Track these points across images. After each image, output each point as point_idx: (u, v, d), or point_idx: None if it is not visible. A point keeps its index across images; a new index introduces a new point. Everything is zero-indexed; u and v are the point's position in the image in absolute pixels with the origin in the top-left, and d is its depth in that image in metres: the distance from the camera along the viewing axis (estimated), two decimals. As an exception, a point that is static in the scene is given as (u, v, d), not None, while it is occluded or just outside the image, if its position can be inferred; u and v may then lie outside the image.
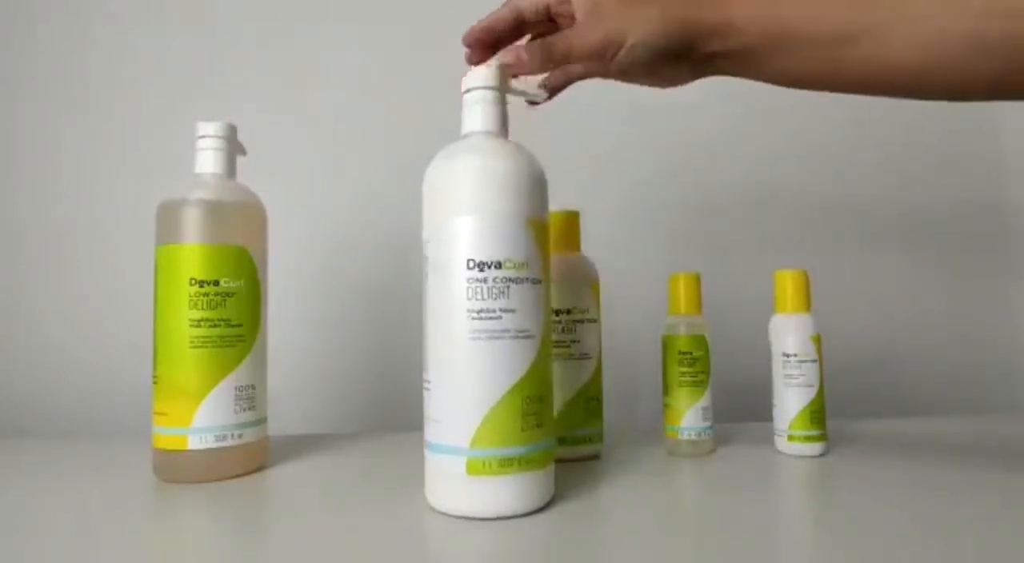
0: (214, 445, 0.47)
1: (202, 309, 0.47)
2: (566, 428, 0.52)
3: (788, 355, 0.53)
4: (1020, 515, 0.38)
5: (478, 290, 0.37)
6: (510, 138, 0.42)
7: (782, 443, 0.53)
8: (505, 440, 0.37)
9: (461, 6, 0.83)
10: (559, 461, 0.51)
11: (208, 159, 0.51)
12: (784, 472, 0.49)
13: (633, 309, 0.78)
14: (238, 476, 0.48)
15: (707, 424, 0.54)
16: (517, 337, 0.38)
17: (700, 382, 0.54)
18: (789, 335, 0.53)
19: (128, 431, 0.63)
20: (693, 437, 0.53)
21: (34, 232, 0.79)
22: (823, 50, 0.38)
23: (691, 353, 0.54)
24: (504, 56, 0.42)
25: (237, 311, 0.49)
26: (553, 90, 0.46)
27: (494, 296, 0.37)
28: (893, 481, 0.45)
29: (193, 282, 0.47)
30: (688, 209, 0.84)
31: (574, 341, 0.53)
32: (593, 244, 0.57)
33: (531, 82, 0.44)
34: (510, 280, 0.38)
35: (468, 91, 0.42)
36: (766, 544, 0.35)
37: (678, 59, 0.40)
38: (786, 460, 0.52)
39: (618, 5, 0.40)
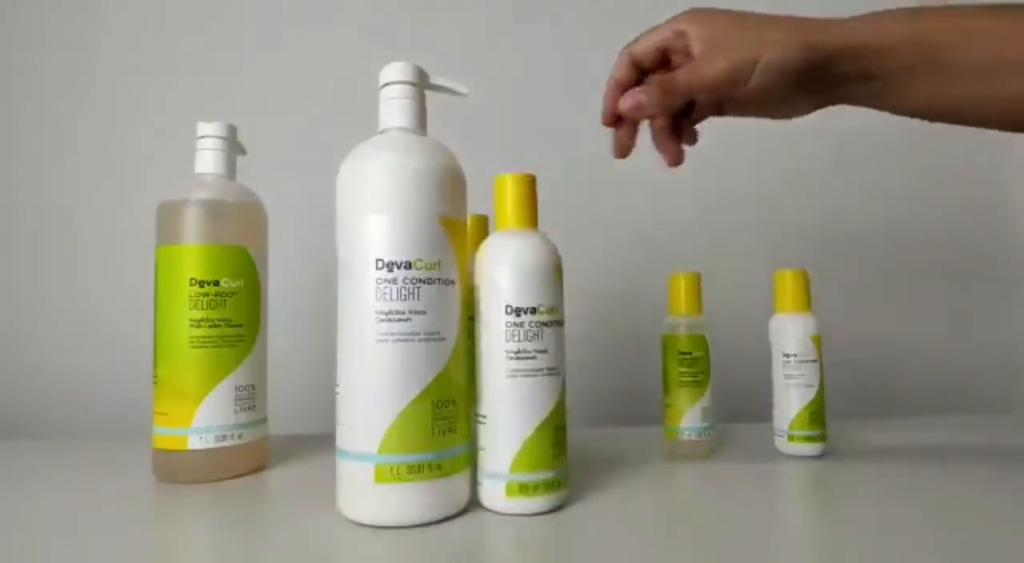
0: (214, 445, 0.47)
1: (202, 309, 0.47)
2: (527, 470, 0.38)
3: (788, 355, 0.53)
4: (1020, 515, 0.38)
5: (387, 291, 0.36)
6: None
7: (782, 443, 0.53)
8: (414, 446, 0.36)
9: (462, 6, 0.83)
10: (516, 516, 0.38)
11: (208, 159, 0.51)
12: (784, 472, 0.49)
13: (633, 309, 0.78)
14: (238, 476, 0.48)
15: (707, 424, 0.54)
16: (427, 340, 0.36)
17: (700, 382, 0.54)
18: (789, 335, 0.53)
19: (128, 431, 0.63)
20: (693, 437, 0.53)
21: (35, 232, 0.79)
22: (972, 80, 0.34)
23: (691, 353, 0.54)
24: (623, 104, 0.40)
25: (237, 311, 0.49)
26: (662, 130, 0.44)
27: (403, 297, 0.36)
28: (892, 481, 0.45)
29: (193, 282, 0.47)
30: (688, 209, 0.84)
31: (540, 351, 0.38)
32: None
33: (453, 78, 0.42)
34: (421, 281, 0.36)
35: (385, 86, 0.40)
36: (766, 544, 0.35)
37: (808, 83, 0.38)
38: (786, 460, 0.52)
39: (741, 32, 0.37)
